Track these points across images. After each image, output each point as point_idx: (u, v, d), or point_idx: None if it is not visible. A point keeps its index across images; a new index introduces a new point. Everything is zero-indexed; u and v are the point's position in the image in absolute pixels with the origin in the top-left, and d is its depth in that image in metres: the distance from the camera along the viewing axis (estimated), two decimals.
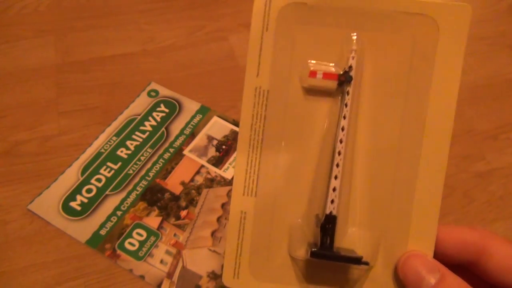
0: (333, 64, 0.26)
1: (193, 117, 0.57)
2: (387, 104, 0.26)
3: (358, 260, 0.24)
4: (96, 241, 0.47)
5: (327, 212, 0.25)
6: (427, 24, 0.25)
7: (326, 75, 0.25)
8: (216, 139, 0.56)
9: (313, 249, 0.24)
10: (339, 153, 0.25)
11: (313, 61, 0.26)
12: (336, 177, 0.25)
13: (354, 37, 0.25)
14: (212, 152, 0.55)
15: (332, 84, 0.26)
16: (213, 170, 0.53)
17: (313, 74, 0.26)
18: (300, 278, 0.26)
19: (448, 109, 0.25)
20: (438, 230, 0.25)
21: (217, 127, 0.57)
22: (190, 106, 0.58)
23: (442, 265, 0.23)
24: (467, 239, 0.24)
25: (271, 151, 0.26)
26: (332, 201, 0.25)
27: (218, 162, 0.54)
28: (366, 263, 0.24)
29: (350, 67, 0.25)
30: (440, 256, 0.25)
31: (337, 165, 0.25)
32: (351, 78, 0.25)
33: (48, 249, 0.47)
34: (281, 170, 0.26)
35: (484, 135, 0.57)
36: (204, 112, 0.58)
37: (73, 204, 0.50)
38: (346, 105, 0.25)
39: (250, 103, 0.26)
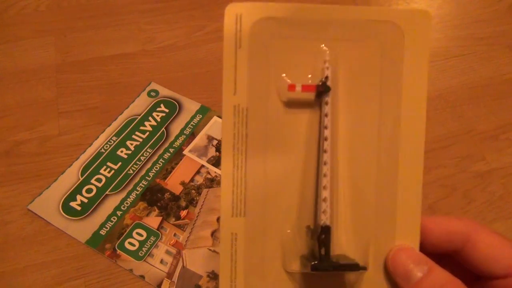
0: (309, 76, 0.26)
1: (193, 117, 0.57)
2: (363, 110, 0.26)
3: (356, 267, 0.24)
4: (96, 241, 0.47)
5: (321, 223, 0.25)
6: (393, 31, 0.26)
7: (305, 88, 0.26)
8: (216, 139, 0.56)
9: (313, 263, 0.24)
10: (325, 163, 0.25)
11: (284, 75, 0.26)
12: (325, 187, 0.25)
13: (327, 48, 0.26)
14: (212, 152, 0.55)
15: (311, 95, 0.26)
16: (213, 170, 0.53)
17: (292, 87, 0.26)
18: None
19: (420, 109, 0.26)
20: (425, 221, 0.26)
21: (217, 127, 0.57)
22: (190, 106, 0.58)
23: (429, 259, 0.24)
24: (453, 228, 0.25)
25: (256, 169, 0.26)
26: (324, 212, 0.25)
27: (218, 162, 0.54)
28: (364, 268, 0.25)
29: (327, 77, 0.25)
30: (428, 245, 0.25)
31: (325, 175, 0.25)
32: (329, 88, 0.25)
33: (48, 249, 0.47)
34: (268, 185, 0.26)
35: (484, 135, 0.57)
36: (204, 112, 0.58)
37: (73, 204, 0.50)
38: (326, 115, 0.25)
39: (230, 123, 0.26)
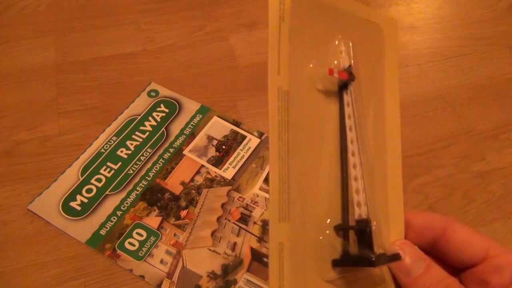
0: (335, 62, 0.25)
1: (193, 117, 0.57)
2: (364, 107, 0.26)
3: (398, 256, 0.25)
4: (96, 241, 0.47)
5: (357, 217, 0.24)
6: (378, 32, 0.27)
7: (340, 74, 0.24)
8: (216, 139, 0.56)
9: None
10: (353, 154, 0.24)
11: (311, 65, 0.25)
12: (356, 179, 0.24)
13: (344, 38, 0.26)
14: (212, 152, 0.55)
15: (334, 85, 0.25)
16: (213, 170, 0.53)
17: (331, 72, 0.24)
18: None
19: (395, 115, 0.26)
20: (408, 214, 0.27)
21: (217, 127, 0.57)
22: (190, 106, 0.58)
23: (427, 256, 0.26)
24: (432, 217, 0.28)
25: (296, 163, 0.23)
26: (359, 204, 0.24)
27: (218, 162, 0.54)
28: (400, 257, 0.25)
29: (350, 66, 0.25)
30: (411, 234, 0.27)
31: (354, 166, 0.24)
32: (354, 77, 0.25)
33: (48, 249, 0.47)
34: (304, 183, 0.24)
35: (484, 135, 0.57)
36: (204, 112, 0.58)
37: (73, 204, 0.50)
38: (348, 105, 0.25)
39: (275, 107, 0.23)
